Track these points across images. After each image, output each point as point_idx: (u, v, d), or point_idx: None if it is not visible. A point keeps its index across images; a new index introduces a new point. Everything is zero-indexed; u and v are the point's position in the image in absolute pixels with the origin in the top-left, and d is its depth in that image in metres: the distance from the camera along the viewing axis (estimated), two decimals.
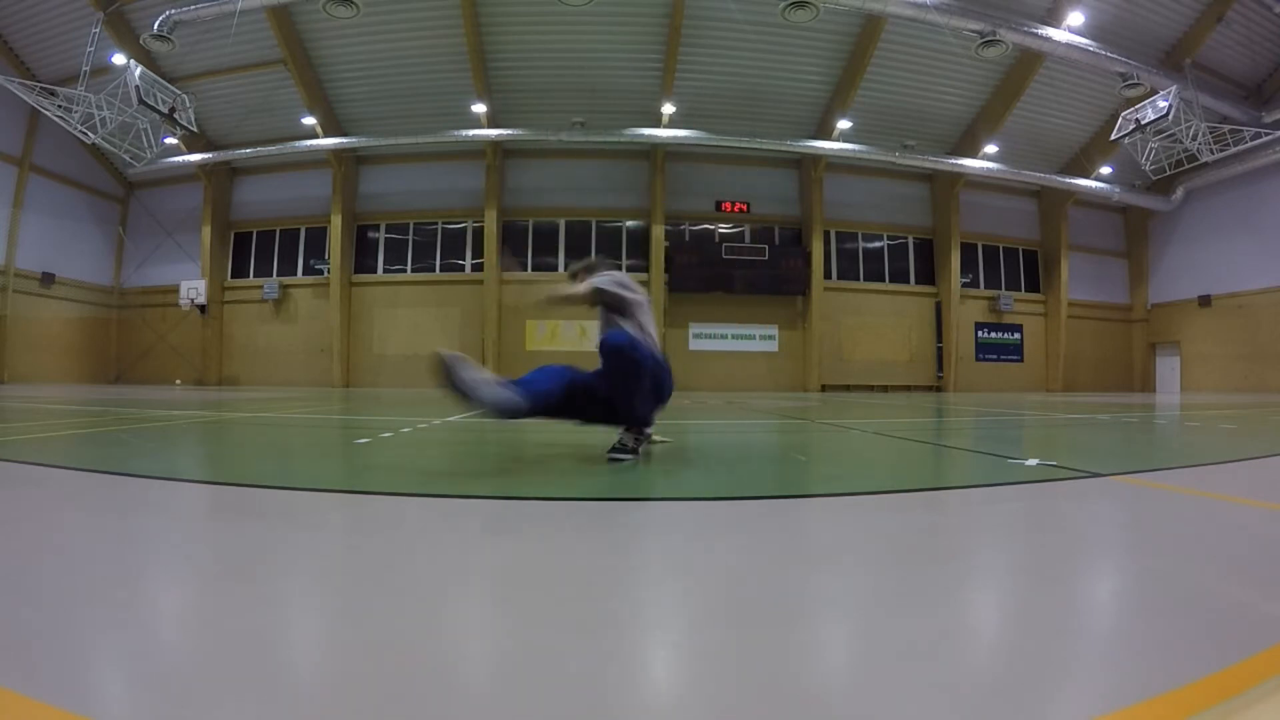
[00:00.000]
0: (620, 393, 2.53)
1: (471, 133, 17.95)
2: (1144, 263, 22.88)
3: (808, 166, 19.78)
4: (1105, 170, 19.99)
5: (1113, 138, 16.55)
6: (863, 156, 18.73)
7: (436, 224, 20.28)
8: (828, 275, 20.22)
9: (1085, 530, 1.57)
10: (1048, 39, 14.83)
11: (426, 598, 0.99)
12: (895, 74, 17.47)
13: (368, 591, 1.02)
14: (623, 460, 2.48)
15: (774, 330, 20.16)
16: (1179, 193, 20.56)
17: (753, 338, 20.02)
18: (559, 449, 3.15)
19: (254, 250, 20.99)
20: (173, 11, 13.99)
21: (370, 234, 20.49)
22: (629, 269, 19.91)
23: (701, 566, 1.19)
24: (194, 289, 19.71)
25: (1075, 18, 14.85)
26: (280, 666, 0.75)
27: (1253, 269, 19.51)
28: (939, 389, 20.51)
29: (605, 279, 2.74)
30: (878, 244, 21.20)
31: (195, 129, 15.91)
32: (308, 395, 11.13)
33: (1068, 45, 14.97)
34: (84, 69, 13.87)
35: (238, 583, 1.05)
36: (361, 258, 20.40)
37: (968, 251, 21.11)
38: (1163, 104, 14.68)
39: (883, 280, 21.07)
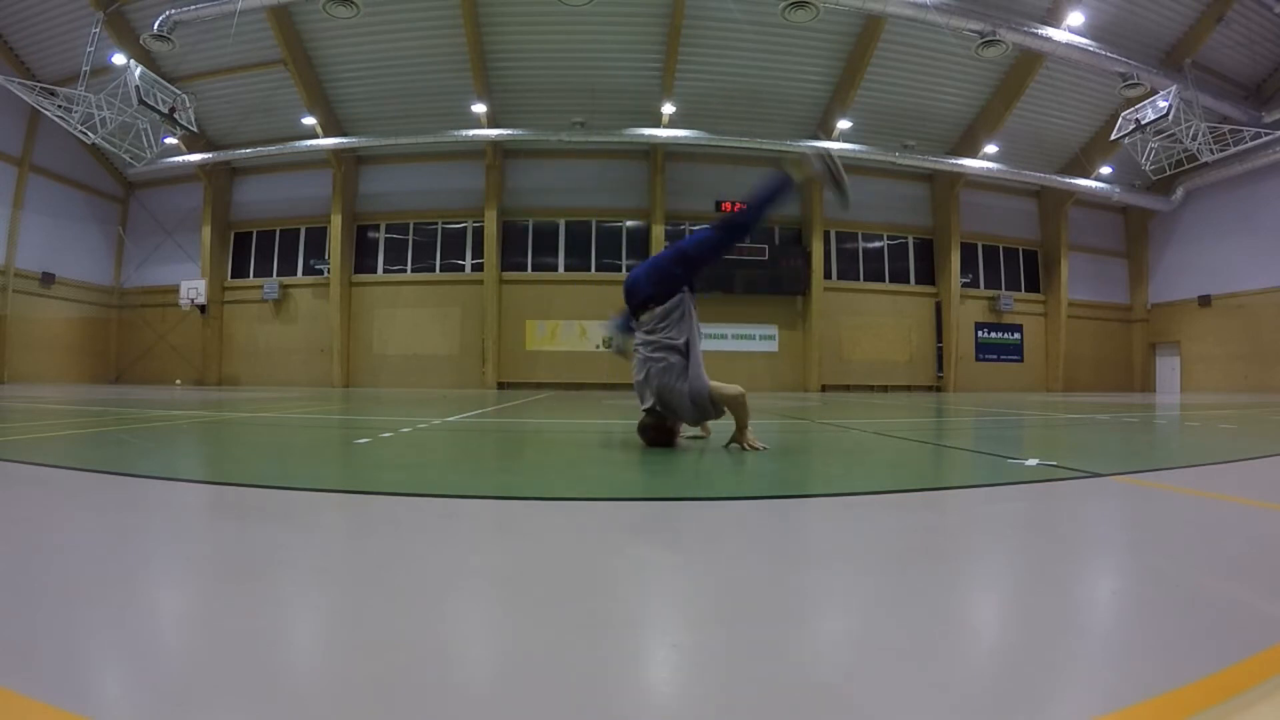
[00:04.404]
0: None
1: (471, 133, 17.95)
2: (1144, 263, 22.88)
3: None
4: (1105, 170, 20.00)
5: (1113, 138, 16.55)
6: (863, 156, 18.72)
7: (436, 224, 20.29)
8: (828, 275, 20.22)
9: (1085, 530, 1.57)
10: (1048, 39, 14.83)
11: (426, 599, 0.99)
12: (895, 74, 17.47)
13: (368, 592, 1.02)
14: None
15: (774, 330, 20.16)
16: (1179, 193, 20.56)
17: (753, 338, 20.02)
18: (559, 449, 3.15)
19: (254, 250, 20.99)
20: (173, 11, 13.99)
21: (370, 234, 20.50)
22: (629, 269, 19.94)
23: (703, 567, 1.19)
24: (194, 289, 19.71)
25: (1075, 18, 14.85)
26: (280, 667, 0.75)
27: (1253, 269, 19.51)
28: (939, 389, 20.52)
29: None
30: (877, 244, 21.20)
31: (195, 129, 15.92)
32: (308, 395, 11.14)
33: (1068, 45, 14.97)
34: (84, 69, 13.87)
35: (238, 583, 1.05)
36: (361, 258, 20.40)
37: (968, 251, 21.11)
38: (1163, 104, 14.68)
39: (883, 280, 21.07)
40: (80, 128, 13.92)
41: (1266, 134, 15.90)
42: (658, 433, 2.89)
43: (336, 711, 0.62)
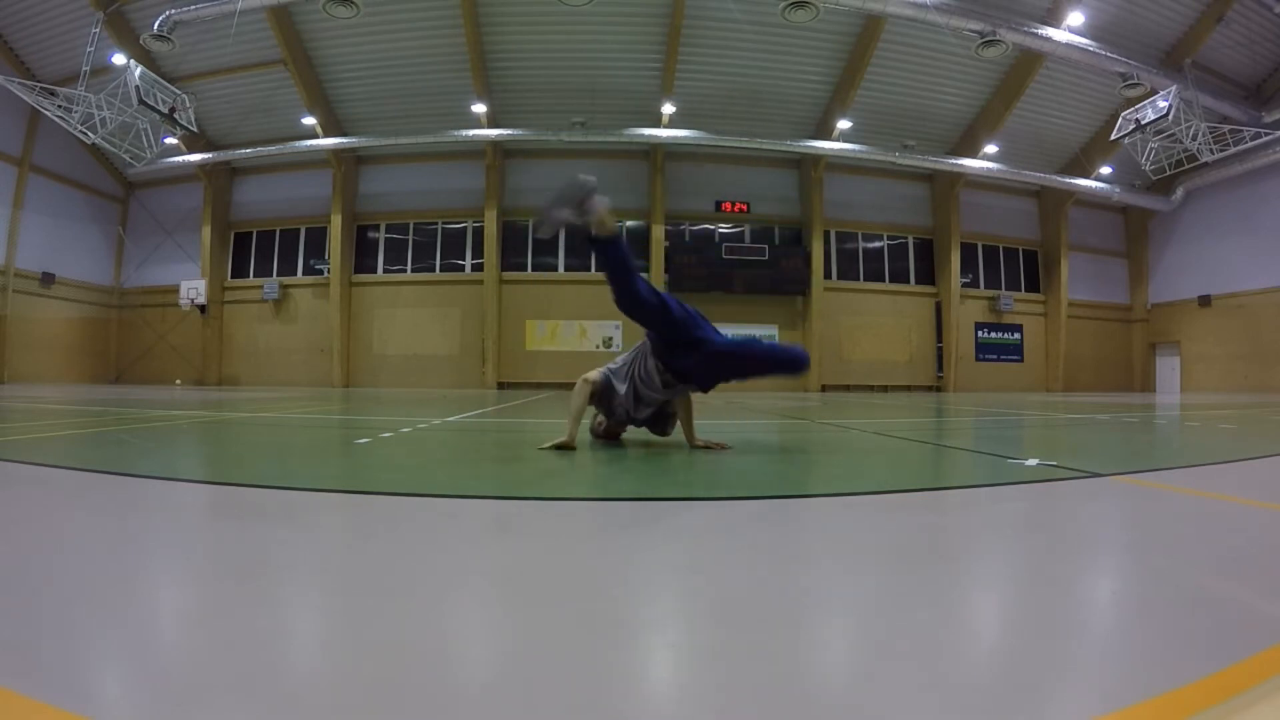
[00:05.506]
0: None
1: (471, 133, 17.96)
2: (1144, 263, 22.88)
3: (807, 166, 19.78)
4: (1105, 170, 20.00)
5: (1113, 138, 16.56)
6: (863, 156, 18.73)
7: (436, 224, 20.29)
8: (828, 275, 20.22)
9: (1085, 530, 1.57)
10: (1048, 39, 14.83)
11: (427, 599, 0.99)
12: (895, 74, 17.48)
13: (368, 593, 1.02)
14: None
15: (774, 330, 20.16)
16: (1179, 193, 20.56)
17: (753, 338, 20.01)
18: (560, 449, 3.14)
19: (254, 250, 21.00)
20: (173, 11, 13.99)
21: (370, 234, 20.50)
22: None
23: (703, 567, 1.19)
24: (194, 289, 19.71)
25: (1075, 18, 14.85)
26: (281, 667, 0.75)
27: (1253, 269, 19.51)
28: (939, 389, 20.52)
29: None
30: (877, 244, 21.21)
31: (195, 129, 15.92)
32: (308, 395, 11.13)
33: (1068, 45, 14.97)
34: (84, 69, 13.87)
35: (238, 583, 1.05)
36: (361, 258, 20.40)
37: (968, 251, 21.12)
38: (1163, 104, 14.68)
39: (883, 280, 21.08)
40: (80, 128, 13.92)
41: (1266, 134, 15.90)
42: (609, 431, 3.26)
43: (337, 712, 0.62)
